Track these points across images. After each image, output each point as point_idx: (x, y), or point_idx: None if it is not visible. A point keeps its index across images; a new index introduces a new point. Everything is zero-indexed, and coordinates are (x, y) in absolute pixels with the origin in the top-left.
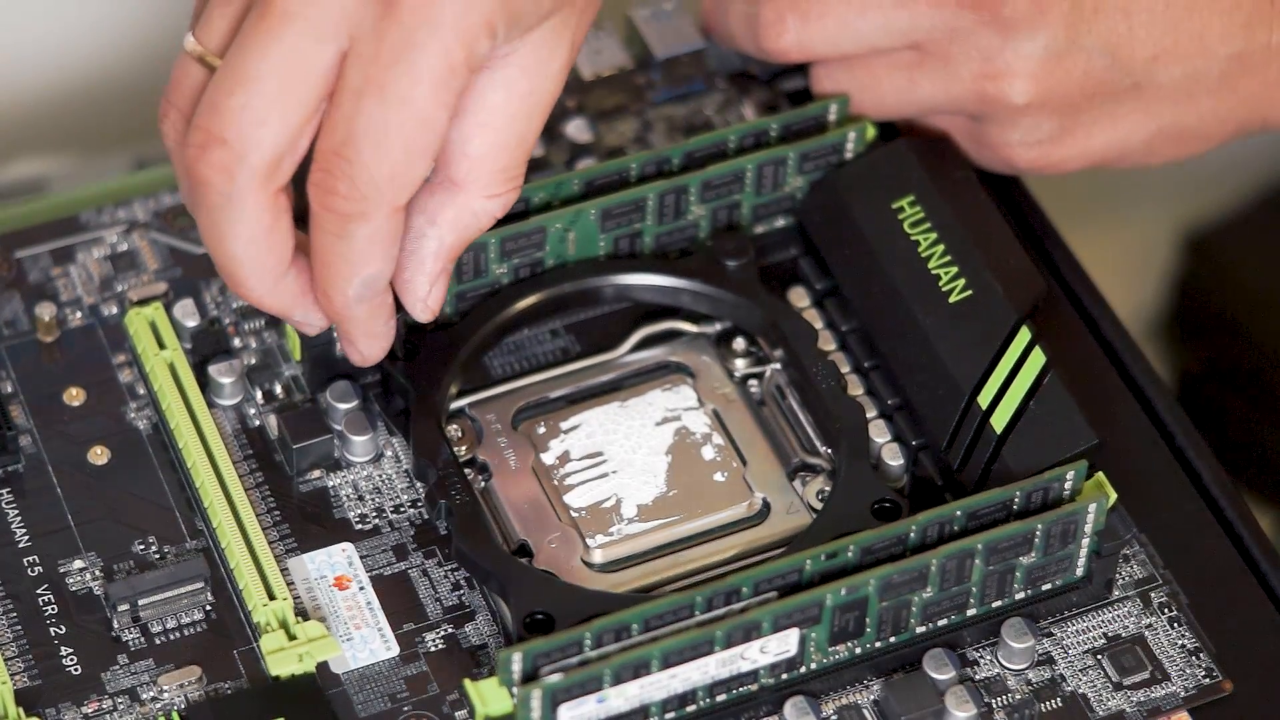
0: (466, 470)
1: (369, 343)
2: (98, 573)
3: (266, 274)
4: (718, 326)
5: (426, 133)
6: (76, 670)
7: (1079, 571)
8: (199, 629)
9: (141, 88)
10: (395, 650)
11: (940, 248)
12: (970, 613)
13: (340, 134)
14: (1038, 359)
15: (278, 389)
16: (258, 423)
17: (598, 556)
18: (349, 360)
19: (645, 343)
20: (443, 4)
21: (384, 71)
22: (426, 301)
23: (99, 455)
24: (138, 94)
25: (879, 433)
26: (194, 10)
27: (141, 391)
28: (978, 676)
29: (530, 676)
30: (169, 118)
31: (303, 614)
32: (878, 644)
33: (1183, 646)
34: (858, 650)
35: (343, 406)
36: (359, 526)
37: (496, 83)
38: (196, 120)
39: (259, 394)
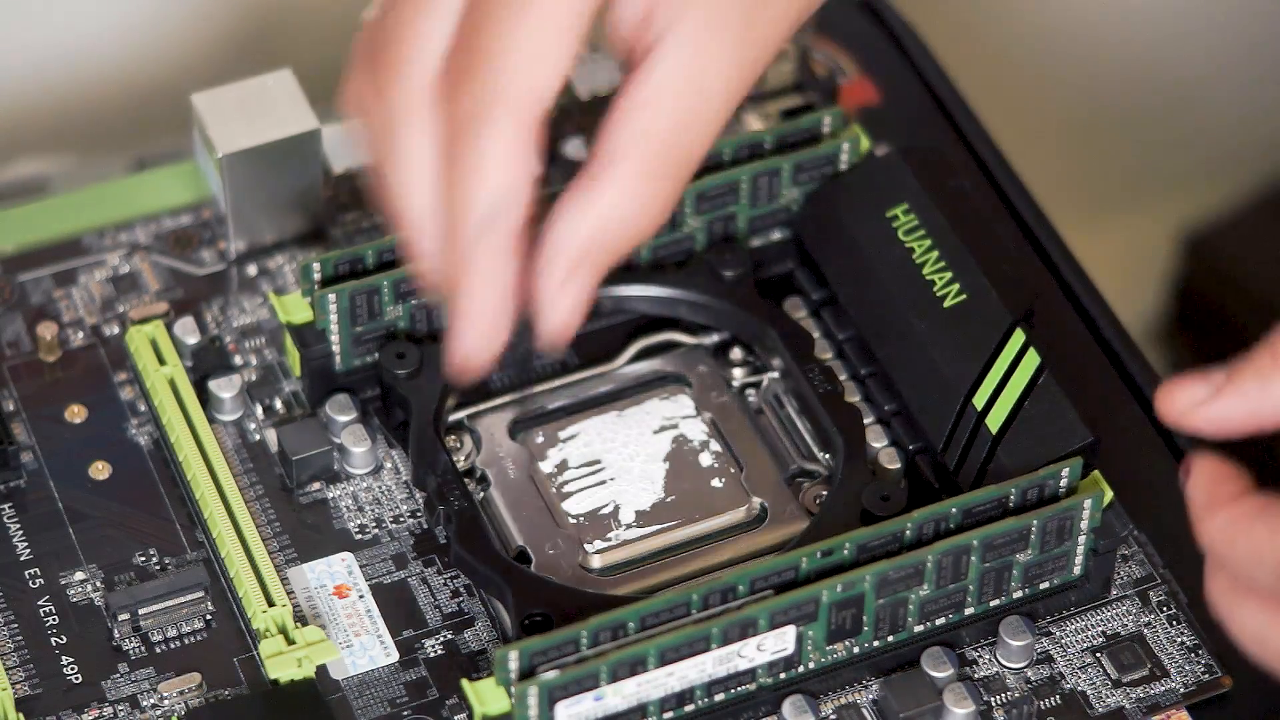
0: (465, 480)
1: (485, 298)
2: (98, 584)
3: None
4: (715, 337)
5: (558, 35)
6: (77, 679)
7: (1076, 570)
8: (199, 638)
9: (141, 88)
10: (395, 656)
11: (934, 254)
12: (968, 611)
13: (468, 34)
14: (1032, 359)
15: (278, 404)
16: (258, 437)
17: (596, 562)
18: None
19: (642, 354)
20: None
21: None
22: (555, 305)
23: (100, 470)
24: (138, 94)
25: (876, 437)
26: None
27: (142, 408)
28: (976, 675)
29: (527, 674)
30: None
31: (302, 620)
32: (876, 643)
33: (1181, 644)
34: (856, 649)
35: (342, 419)
36: (359, 537)
37: (659, 56)
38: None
39: (259, 409)
